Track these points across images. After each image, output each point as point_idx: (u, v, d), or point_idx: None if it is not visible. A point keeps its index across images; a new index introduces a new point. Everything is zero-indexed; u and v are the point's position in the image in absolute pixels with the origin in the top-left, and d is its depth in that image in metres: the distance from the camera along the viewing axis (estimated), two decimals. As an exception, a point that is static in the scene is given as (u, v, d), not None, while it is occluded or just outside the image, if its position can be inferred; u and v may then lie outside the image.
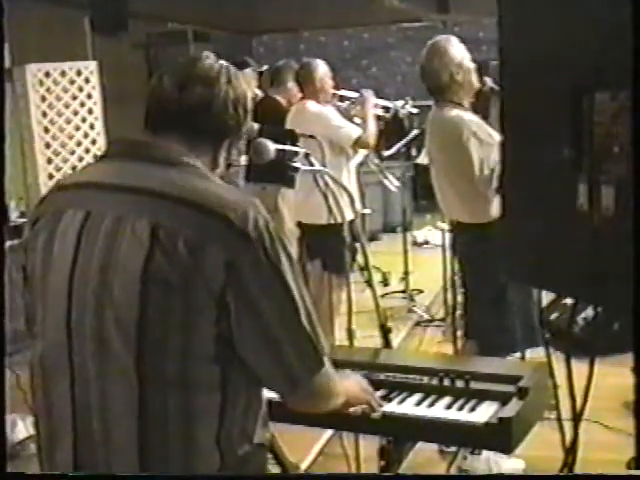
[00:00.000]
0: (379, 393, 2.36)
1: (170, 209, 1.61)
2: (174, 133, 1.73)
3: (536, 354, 3.50)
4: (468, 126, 3.68)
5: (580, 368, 1.89)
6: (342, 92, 5.56)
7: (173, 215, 1.60)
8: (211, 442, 1.66)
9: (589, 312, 4.17)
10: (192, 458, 1.64)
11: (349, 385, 2.03)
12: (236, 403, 1.69)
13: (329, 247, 4.42)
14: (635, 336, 1.62)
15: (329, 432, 3.85)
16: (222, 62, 1.80)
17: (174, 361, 1.60)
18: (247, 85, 1.85)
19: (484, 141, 3.63)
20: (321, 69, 5.31)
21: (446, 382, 2.34)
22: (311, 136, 4.97)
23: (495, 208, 3.47)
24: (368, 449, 2.94)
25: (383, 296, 6.33)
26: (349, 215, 2.96)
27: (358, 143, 5.06)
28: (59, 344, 1.67)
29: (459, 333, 4.52)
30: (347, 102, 5.59)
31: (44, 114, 6.13)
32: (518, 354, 3.85)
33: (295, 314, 1.67)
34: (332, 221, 2.99)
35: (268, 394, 1.81)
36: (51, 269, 1.69)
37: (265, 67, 6.83)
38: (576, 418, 1.92)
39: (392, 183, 6.75)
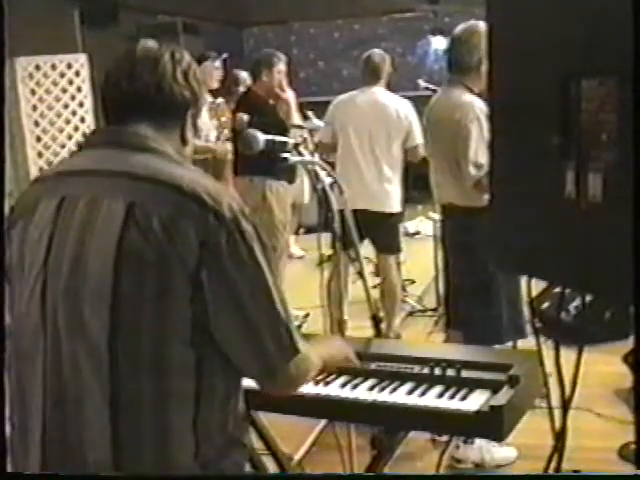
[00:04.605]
0: (369, 382, 2.37)
1: (145, 189, 1.63)
2: (138, 120, 1.75)
3: (527, 343, 3.51)
4: (476, 110, 3.72)
5: (572, 356, 1.90)
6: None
7: (148, 194, 1.62)
8: (187, 427, 1.65)
9: (580, 301, 4.18)
10: (167, 443, 1.64)
11: (324, 350, 2.06)
12: (213, 392, 1.68)
13: None
14: (635, 326, 1.62)
15: (322, 423, 3.86)
16: (158, 43, 1.82)
17: (148, 341, 1.60)
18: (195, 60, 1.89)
19: (485, 133, 3.63)
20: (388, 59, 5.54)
21: (437, 371, 2.35)
22: (299, 126, 5.02)
23: (484, 193, 3.49)
24: (361, 439, 2.95)
25: (375, 287, 6.33)
26: (336, 206, 2.94)
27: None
28: (34, 329, 1.67)
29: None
30: None
31: (34, 108, 6.12)
32: (504, 346, 3.84)
33: (269, 298, 1.68)
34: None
35: (249, 383, 1.82)
36: (26, 256, 1.70)
37: (224, 55, 6.86)
38: (564, 406, 1.93)
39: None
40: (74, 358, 1.63)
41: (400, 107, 5.30)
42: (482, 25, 3.85)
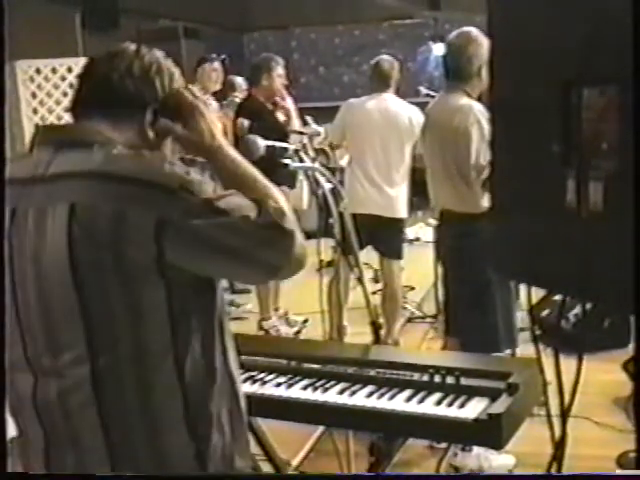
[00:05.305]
0: (368, 389, 2.37)
1: (86, 186, 1.57)
2: (92, 115, 1.70)
3: (527, 350, 3.51)
4: (476, 113, 3.71)
5: (571, 365, 1.90)
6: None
7: (89, 191, 1.56)
8: (180, 422, 1.64)
9: (580, 309, 4.18)
10: (161, 442, 1.63)
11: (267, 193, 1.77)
12: (197, 373, 1.66)
13: None
14: (636, 335, 1.62)
15: (320, 429, 3.85)
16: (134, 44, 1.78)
17: (126, 335, 1.58)
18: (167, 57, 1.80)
19: (485, 136, 3.63)
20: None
21: (436, 378, 2.35)
22: (300, 132, 5.03)
23: (485, 199, 3.50)
24: (359, 446, 2.95)
25: (374, 293, 6.33)
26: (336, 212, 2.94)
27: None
28: (16, 346, 1.66)
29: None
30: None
31: (35, 111, 6.13)
32: (501, 354, 3.84)
33: (245, 220, 1.61)
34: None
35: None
36: None
37: (222, 56, 6.86)
38: (564, 414, 1.92)
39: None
40: (57, 374, 1.62)
41: (413, 114, 5.33)
42: (476, 32, 3.86)
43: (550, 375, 2.03)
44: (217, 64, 6.56)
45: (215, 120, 1.83)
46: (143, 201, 1.55)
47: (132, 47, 1.76)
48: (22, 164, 1.72)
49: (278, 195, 1.72)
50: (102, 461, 1.62)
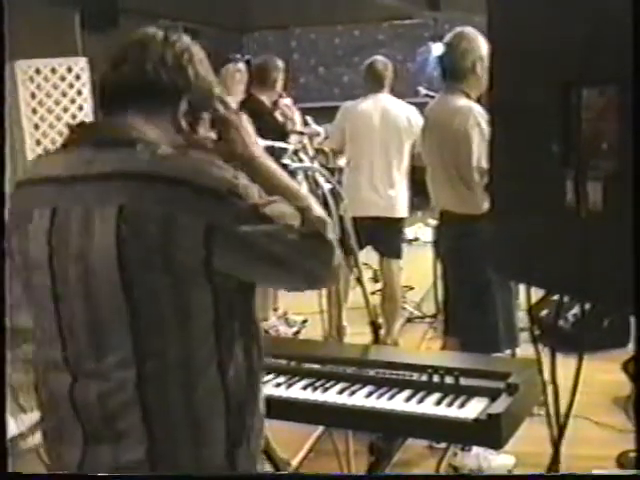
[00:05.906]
0: (367, 389, 2.37)
1: (134, 189, 1.55)
2: (125, 109, 1.66)
3: (526, 351, 3.51)
4: (476, 115, 3.71)
5: (570, 365, 1.90)
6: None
7: (138, 194, 1.55)
8: (220, 425, 1.64)
9: (579, 308, 4.18)
10: (200, 443, 1.62)
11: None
12: (235, 360, 1.66)
13: None
14: (637, 335, 1.62)
15: (320, 429, 3.86)
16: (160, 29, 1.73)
17: (173, 338, 1.58)
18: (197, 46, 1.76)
19: (486, 136, 3.62)
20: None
21: (435, 378, 2.35)
22: (300, 132, 5.03)
23: (485, 200, 3.50)
24: (358, 445, 2.95)
25: (373, 293, 6.33)
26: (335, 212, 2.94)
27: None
28: (54, 345, 1.65)
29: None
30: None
31: (34, 111, 6.11)
32: (501, 354, 3.83)
33: (290, 229, 1.61)
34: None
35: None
36: (33, 272, 1.65)
37: (247, 57, 6.83)
38: (557, 414, 1.93)
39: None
40: (99, 376, 1.61)
41: (410, 114, 5.37)
42: (468, 29, 3.88)
43: (549, 375, 2.03)
44: (241, 65, 6.51)
45: (249, 130, 1.82)
46: (193, 205, 1.54)
47: (160, 34, 1.71)
48: (56, 162, 1.70)
49: (315, 204, 1.73)
50: (141, 459, 1.61)
